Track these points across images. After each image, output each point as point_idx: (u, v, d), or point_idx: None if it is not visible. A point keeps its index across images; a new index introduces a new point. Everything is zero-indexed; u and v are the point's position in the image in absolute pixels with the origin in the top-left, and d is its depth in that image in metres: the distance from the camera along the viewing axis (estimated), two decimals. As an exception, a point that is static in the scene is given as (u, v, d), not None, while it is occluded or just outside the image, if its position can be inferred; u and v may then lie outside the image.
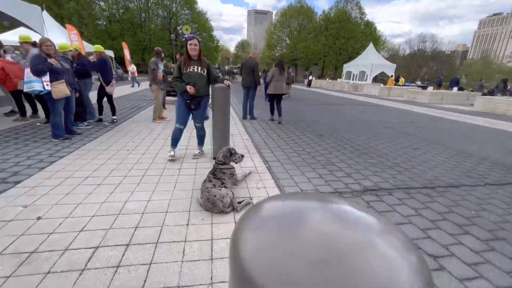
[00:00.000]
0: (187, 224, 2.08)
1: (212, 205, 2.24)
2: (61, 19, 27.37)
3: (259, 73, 6.70)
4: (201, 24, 36.19)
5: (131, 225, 2.02)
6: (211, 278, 1.55)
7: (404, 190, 2.96)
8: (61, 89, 3.80)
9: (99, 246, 1.77)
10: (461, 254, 1.91)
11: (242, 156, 2.83)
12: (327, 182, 3.08)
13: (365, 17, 43.21)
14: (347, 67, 30.09)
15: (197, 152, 3.65)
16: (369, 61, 25.94)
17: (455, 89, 16.14)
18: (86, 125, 5.01)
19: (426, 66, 46.16)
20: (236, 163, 2.80)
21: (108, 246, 1.77)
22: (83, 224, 2.00)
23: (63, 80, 3.79)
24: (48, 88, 3.72)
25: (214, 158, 2.68)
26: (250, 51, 7.94)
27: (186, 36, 16.10)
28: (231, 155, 2.70)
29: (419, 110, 10.83)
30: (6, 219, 2.01)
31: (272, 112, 6.99)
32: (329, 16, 42.74)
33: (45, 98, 3.85)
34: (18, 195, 2.39)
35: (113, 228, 1.98)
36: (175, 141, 3.43)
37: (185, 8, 35.63)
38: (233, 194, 2.42)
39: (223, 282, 1.53)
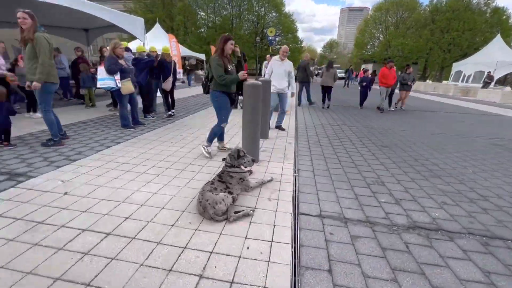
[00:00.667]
0: (172, 225, 1.98)
1: (203, 210, 2.07)
2: (172, 30, 33.04)
3: (312, 71, 10.01)
4: (286, 25, 36.58)
5: (124, 215, 2.08)
6: (155, 293, 1.38)
7: (480, 239, 2.01)
8: (127, 86, 4.43)
9: (86, 229, 1.88)
10: None
11: (253, 160, 2.54)
12: (361, 206, 2.42)
13: (492, 2, 33.93)
14: (457, 66, 24.44)
15: (227, 147, 3.77)
16: (493, 58, 20.17)
17: None
18: (152, 117, 5.73)
19: None
20: (245, 167, 2.54)
21: (93, 231, 1.86)
22: (91, 205, 2.19)
23: (129, 78, 4.41)
24: (119, 85, 4.39)
25: (223, 159, 2.51)
26: (304, 55, 11.15)
27: (271, 38, 16.67)
28: (239, 157, 2.46)
29: None
30: (45, 190, 2.42)
31: (323, 101, 9.15)
32: (438, 5, 35.64)
33: (115, 93, 4.57)
34: (67, 171, 2.87)
35: (109, 214, 2.08)
36: (214, 138, 3.58)
37: (272, 11, 36.79)
38: (232, 201, 2.19)
39: (164, 301, 1.34)
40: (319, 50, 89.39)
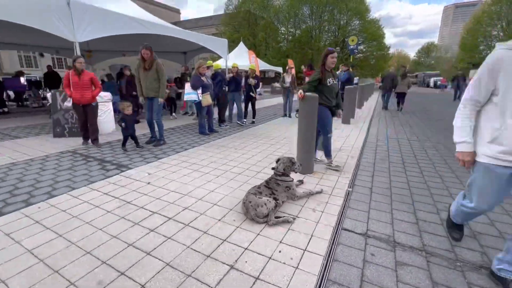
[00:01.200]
0: (219, 220, 2.26)
1: (246, 210, 2.27)
2: (254, 46, 35.83)
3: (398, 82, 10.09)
4: (371, 32, 34.00)
5: (184, 205, 2.50)
6: (192, 272, 1.65)
7: None
8: (207, 99, 5.19)
9: (155, 212, 2.36)
10: None
11: (300, 165, 2.61)
12: (419, 232, 2.12)
13: None
14: None
15: (334, 164, 3.60)
16: None
17: None
18: (225, 125, 6.44)
19: None
20: (296, 172, 2.62)
21: (160, 214, 2.32)
22: (163, 194, 2.72)
23: (208, 92, 5.16)
24: (201, 98, 5.19)
25: (273, 169, 2.65)
26: (390, 66, 11.42)
27: (352, 47, 15.96)
28: (293, 164, 2.58)
29: None
30: (136, 179, 3.14)
31: (398, 105, 10.39)
32: None
33: (197, 105, 5.41)
34: (153, 166, 3.61)
35: (174, 203, 2.54)
36: (330, 149, 3.59)
37: (354, 19, 34.93)
38: (275, 206, 2.31)
39: (197, 279, 1.59)
40: (412, 55, 78.78)
